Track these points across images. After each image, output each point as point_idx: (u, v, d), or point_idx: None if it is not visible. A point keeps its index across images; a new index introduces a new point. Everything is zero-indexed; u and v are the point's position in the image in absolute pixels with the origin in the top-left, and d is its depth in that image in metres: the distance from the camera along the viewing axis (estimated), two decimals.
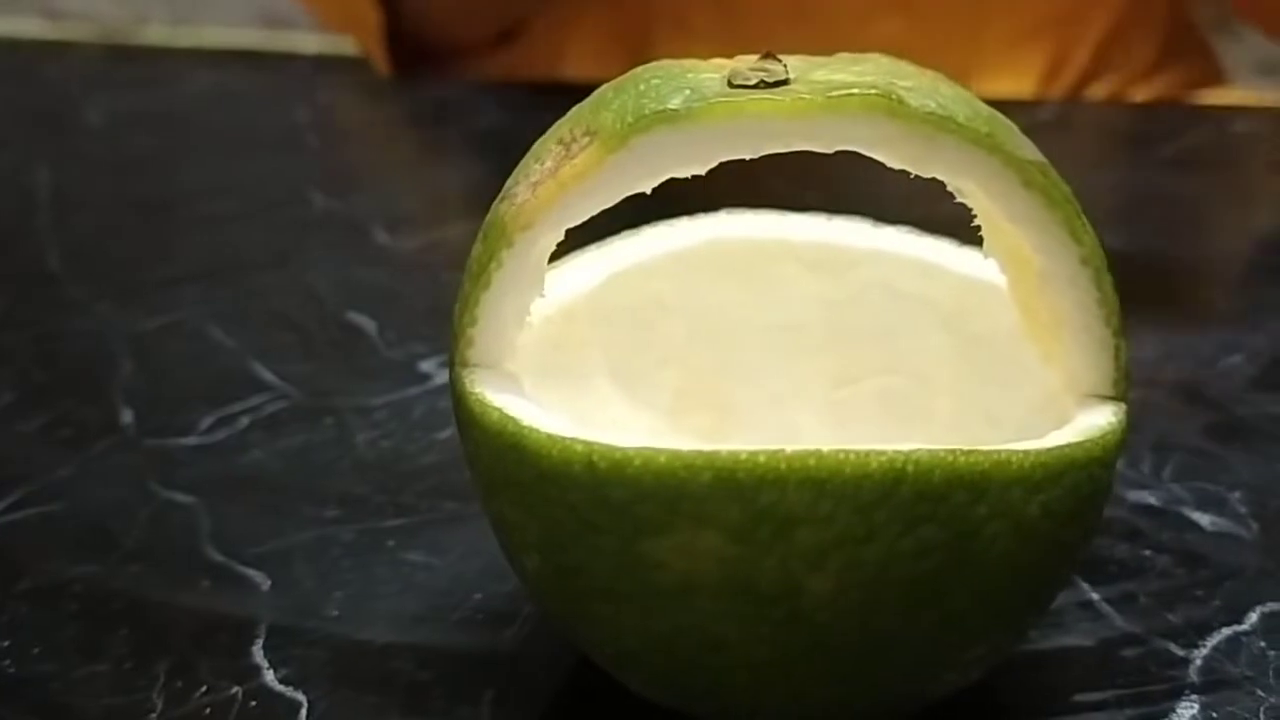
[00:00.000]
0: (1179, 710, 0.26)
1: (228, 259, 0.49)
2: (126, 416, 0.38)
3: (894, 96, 0.22)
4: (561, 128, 0.24)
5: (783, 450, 0.21)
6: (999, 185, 0.23)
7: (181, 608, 0.30)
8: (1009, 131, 0.23)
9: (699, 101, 0.22)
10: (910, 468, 0.21)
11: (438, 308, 0.43)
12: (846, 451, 0.21)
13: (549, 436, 0.22)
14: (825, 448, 0.21)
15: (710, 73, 0.24)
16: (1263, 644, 0.28)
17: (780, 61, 0.23)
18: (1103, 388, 0.24)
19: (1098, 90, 0.66)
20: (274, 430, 0.37)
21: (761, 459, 0.21)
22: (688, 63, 0.24)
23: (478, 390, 0.24)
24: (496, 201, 0.24)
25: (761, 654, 0.22)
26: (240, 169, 0.59)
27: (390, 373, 0.40)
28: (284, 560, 0.32)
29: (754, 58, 0.24)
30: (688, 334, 0.31)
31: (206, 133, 0.65)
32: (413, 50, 0.66)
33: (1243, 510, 0.32)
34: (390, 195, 0.57)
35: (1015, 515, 0.22)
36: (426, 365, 0.40)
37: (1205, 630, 0.28)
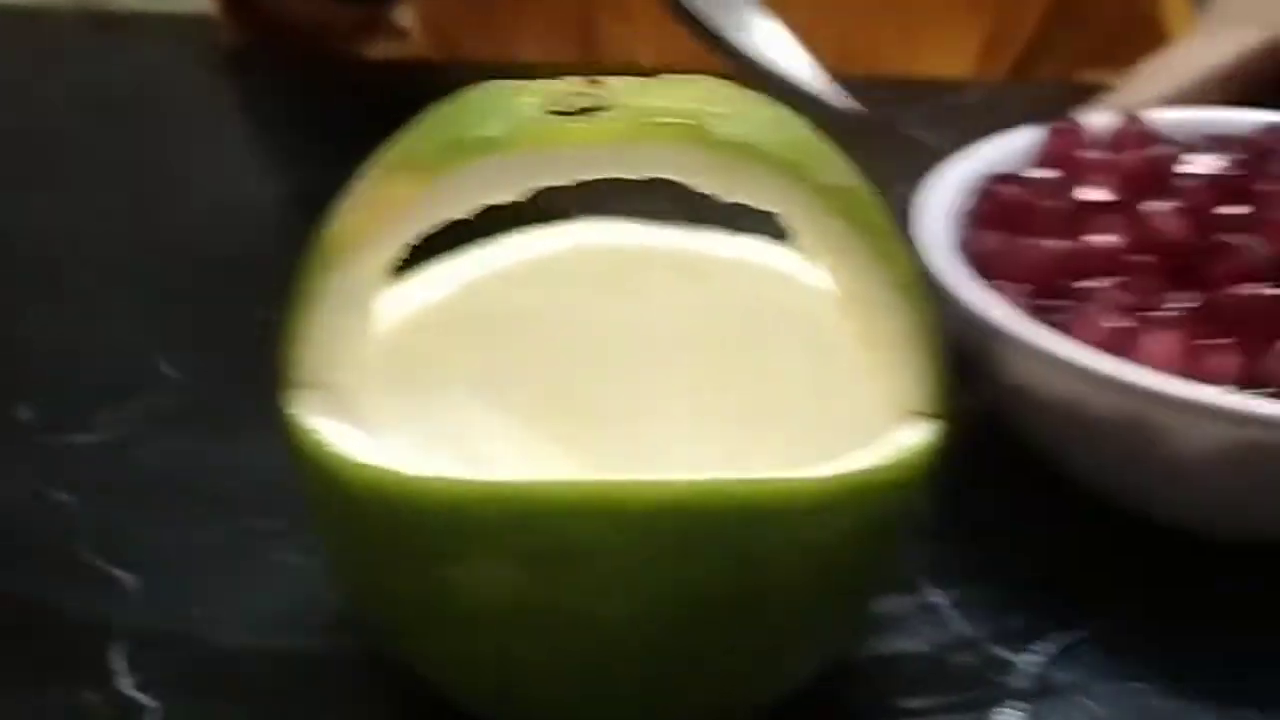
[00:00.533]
0: (1003, 718, 0.27)
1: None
2: (21, 413, 0.39)
3: (701, 125, 0.22)
4: (390, 151, 0.24)
5: (572, 482, 0.21)
6: (805, 212, 0.23)
7: (50, 609, 0.31)
8: (821, 158, 0.24)
9: (513, 129, 0.23)
10: (697, 499, 0.21)
11: None
12: (635, 483, 0.21)
13: (354, 464, 0.23)
14: (614, 478, 0.21)
15: (533, 96, 0.24)
16: (1097, 652, 0.28)
17: (604, 85, 0.24)
18: (920, 405, 0.25)
19: (1042, 71, 0.66)
20: (161, 428, 0.38)
21: (551, 491, 0.21)
22: (519, 84, 0.25)
23: (295, 412, 0.24)
24: (319, 236, 0.25)
25: (562, 672, 0.23)
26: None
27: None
28: (151, 562, 0.32)
29: (580, 81, 0.24)
30: (550, 341, 0.31)
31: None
32: (268, 22, 0.63)
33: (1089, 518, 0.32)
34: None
35: (807, 542, 0.22)
36: None
37: (1040, 636, 0.29)
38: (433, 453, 0.29)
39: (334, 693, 0.28)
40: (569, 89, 0.24)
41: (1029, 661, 0.28)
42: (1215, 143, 0.35)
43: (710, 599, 0.22)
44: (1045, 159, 0.36)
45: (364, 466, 0.22)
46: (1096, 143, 0.35)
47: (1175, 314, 0.29)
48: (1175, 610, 0.29)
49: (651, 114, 0.23)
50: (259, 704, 0.28)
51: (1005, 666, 0.28)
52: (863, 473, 0.23)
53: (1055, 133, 0.36)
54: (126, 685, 0.29)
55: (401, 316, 0.29)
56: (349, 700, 0.28)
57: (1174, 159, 0.34)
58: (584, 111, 0.23)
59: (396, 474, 0.22)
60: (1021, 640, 0.29)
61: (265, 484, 0.34)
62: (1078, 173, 0.34)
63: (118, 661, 0.29)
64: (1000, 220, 0.33)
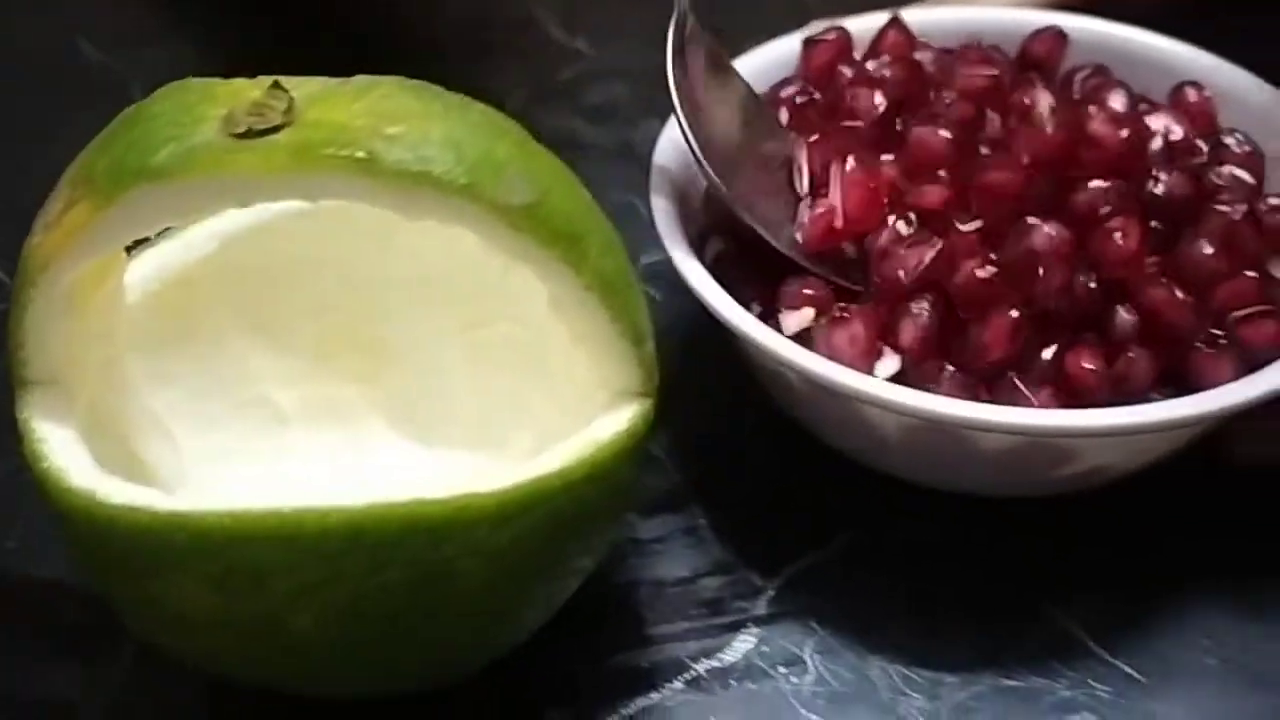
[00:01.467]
0: (736, 644, 0.30)
1: None
2: None
3: (371, 157, 0.23)
4: (80, 163, 0.25)
5: (248, 510, 0.23)
6: (487, 230, 0.24)
7: None
8: (499, 174, 0.24)
9: (181, 158, 0.23)
10: (369, 522, 0.23)
11: None
12: (307, 510, 0.23)
13: (62, 488, 0.24)
14: (287, 507, 0.23)
15: (216, 109, 0.24)
16: (835, 573, 0.31)
17: (285, 96, 0.24)
18: (630, 387, 0.26)
19: None
20: None
21: (228, 520, 0.23)
22: (207, 91, 0.25)
23: (24, 416, 0.25)
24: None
25: (268, 662, 0.25)
26: None
27: None
28: None
29: (264, 89, 0.24)
30: (327, 287, 0.32)
31: None
32: None
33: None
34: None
35: (484, 550, 0.24)
36: None
37: (786, 560, 0.31)
38: (210, 402, 0.31)
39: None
40: (252, 101, 0.24)
41: (770, 585, 0.31)
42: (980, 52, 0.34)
43: (393, 606, 0.24)
44: (806, 74, 0.36)
45: (71, 491, 0.24)
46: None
47: (860, 309, 0.30)
48: (876, 545, 0.32)
49: (321, 144, 0.23)
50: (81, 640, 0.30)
51: (751, 591, 0.31)
52: (537, 480, 0.24)
53: (814, 44, 0.36)
54: None
55: (166, 275, 0.30)
56: None
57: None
58: (259, 133, 0.23)
59: (97, 500, 0.23)
60: (768, 563, 0.31)
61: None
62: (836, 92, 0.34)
63: None
64: None
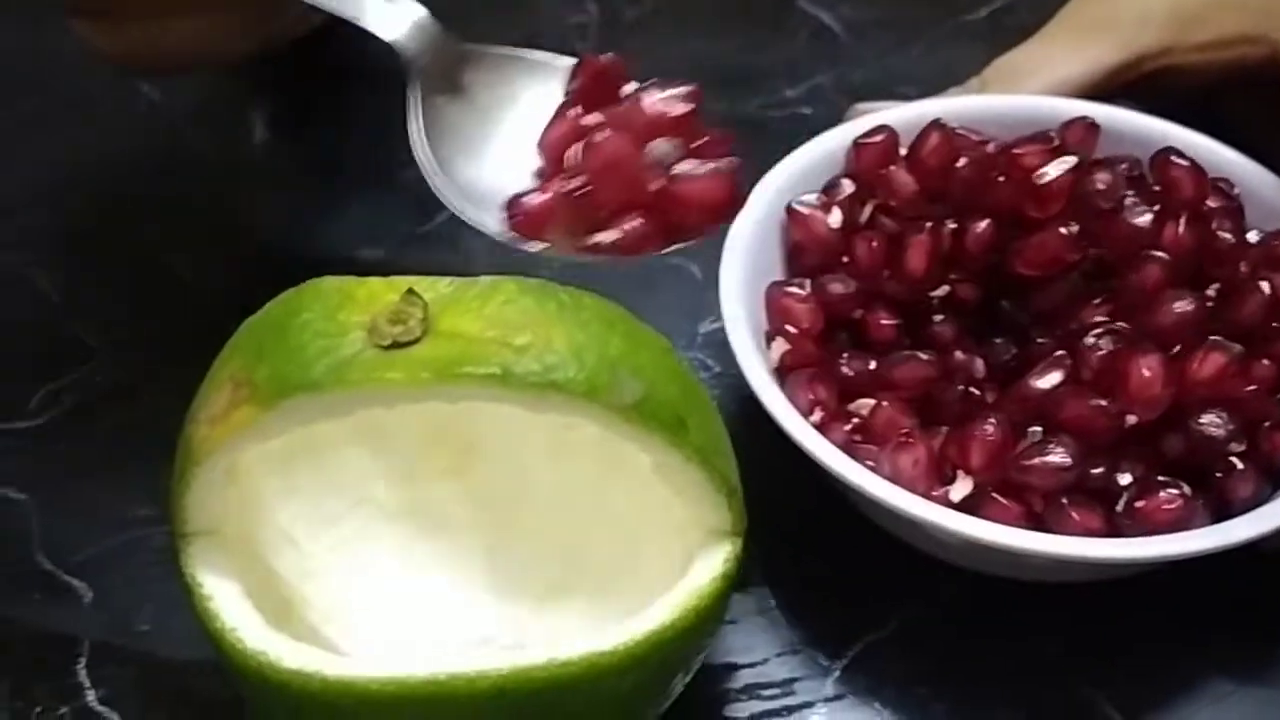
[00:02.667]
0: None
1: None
2: None
3: (500, 372, 0.26)
4: (233, 360, 0.28)
5: (408, 677, 0.26)
6: (604, 423, 0.27)
7: (17, 623, 0.36)
8: (613, 376, 0.27)
9: (335, 372, 0.26)
10: (510, 684, 0.26)
11: (264, 237, 0.46)
12: (458, 676, 0.26)
13: (238, 649, 0.28)
14: (442, 674, 0.26)
15: (359, 315, 0.27)
16: (893, 652, 0.34)
17: (421, 303, 0.27)
18: (723, 528, 0.30)
19: None
20: (93, 411, 0.41)
21: (391, 687, 0.26)
22: (344, 292, 0.28)
23: (190, 571, 0.29)
24: (192, 413, 0.29)
25: None
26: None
27: (200, 340, 0.43)
28: (102, 568, 0.37)
29: (399, 292, 0.27)
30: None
31: None
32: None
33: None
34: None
35: (607, 697, 0.28)
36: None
37: (852, 638, 0.35)
38: (327, 506, 0.34)
39: None
40: (391, 310, 0.27)
41: (837, 666, 0.34)
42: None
43: None
44: (853, 172, 0.39)
45: (246, 654, 0.27)
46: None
47: (927, 436, 0.33)
48: (930, 626, 0.35)
49: (459, 360, 0.26)
50: (211, 717, 0.34)
51: (818, 671, 0.34)
52: (652, 634, 0.27)
53: (861, 147, 0.39)
54: (94, 701, 0.34)
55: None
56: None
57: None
58: (399, 345, 0.27)
59: (270, 662, 0.27)
60: (833, 644, 0.35)
61: None
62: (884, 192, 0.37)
63: (84, 676, 0.35)
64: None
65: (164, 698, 0.34)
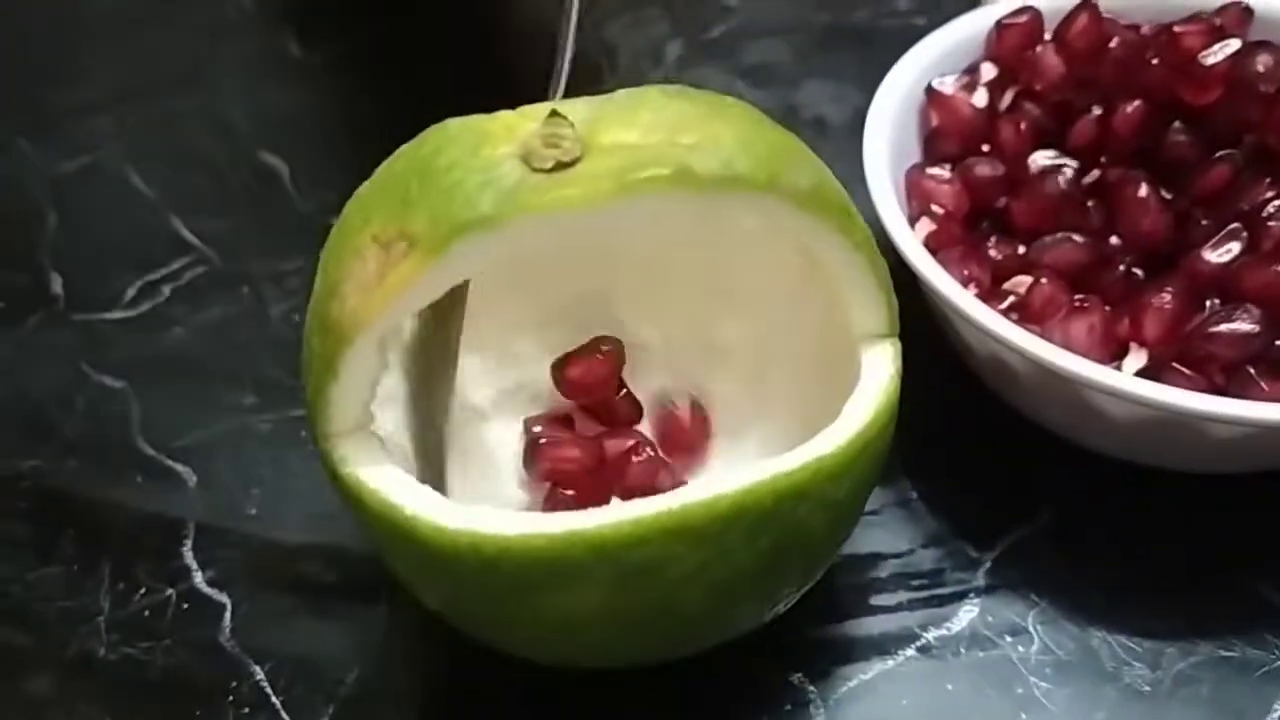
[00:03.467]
0: (961, 614, 0.31)
1: (138, 77, 0.49)
2: (56, 286, 0.41)
3: (686, 168, 0.24)
4: (370, 222, 0.25)
5: (642, 513, 0.24)
6: (783, 215, 0.26)
7: (119, 506, 0.35)
8: (789, 164, 0.26)
9: (505, 202, 0.24)
10: (749, 500, 0.24)
11: (350, 143, 0.45)
12: (694, 503, 0.24)
13: (434, 528, 0.25)
14: (675, 503, 0.24)
15: (505, 147, 0.25)
16: (1047, 546, 0.32)
17: (569, 124, 0.25)
18: (883, 329, 0.28)
19: None
20: (194, 302, 0.40)
21: (625, 525, 0.24)
22: (478, 129, 0.26)
23: (350, 470, 0.26)
24: (323, 295, 0.26)
25: (637, 650, 0.28)
26: None
27: (302, 229, 0.42)
28: (207, 453, 0.36)
29: (540, 119, 0.25)
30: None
31: None
32: None
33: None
34: None
35: (829, 501, 0.26)
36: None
37: (1000, 532, 0.33)
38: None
39: (385, 588, 0.32)
40: (537, 136, 0.25)
41: (987, 557, 0.32)
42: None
43: (762, 566, 0.26)
44: (998, 55, 0.37)
45: (447, 531, 0.25)
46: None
47: (1096, 301, 0.31)
48: (1082, 519, 0.33)
49: (635, 166, 0.24)
50: (318, 600, 0.32)
51: (967, 563, 0.32)
52: (864, 428, 0.26)
53: (1006, 26, 0.37)
54: (202, 583, 0.33)
55: None
56: (406, 596, 0.32)
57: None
58: (562, 165, 0.24)
59: (482, 534, 0.24)
60: (982, 537, 0.33)
61: (296, 367, 0.37)
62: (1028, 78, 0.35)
63: (191, 559, 0.33)
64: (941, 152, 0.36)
65: (274, 581, 0.33)
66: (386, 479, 0.26)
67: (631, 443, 0.30)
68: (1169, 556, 0.32)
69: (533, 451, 0.30)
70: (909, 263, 0.32)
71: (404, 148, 0.27)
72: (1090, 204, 0.34)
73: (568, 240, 0.24)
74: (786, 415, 0.31)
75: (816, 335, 0.30)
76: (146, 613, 0.32)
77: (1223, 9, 0.37)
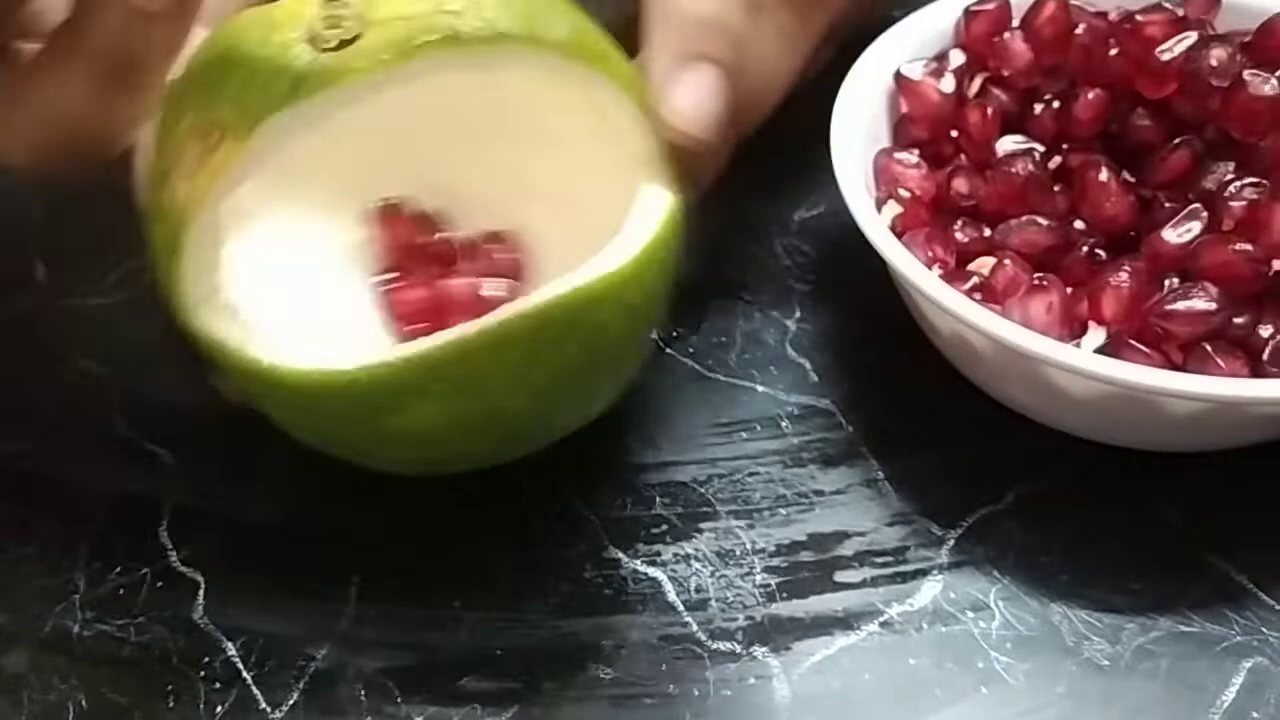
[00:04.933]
0: (923, 590, 0.32)
1: None
2: (40, 272, 0.41)
3: (451, 33, 0.28)
4: (184, 117, 0.29)
5: (465, 333, 0.27)
6: (547, 65, 0.29)
7: (98, 487, 0.35)
8: (546, 18, 0.29)
9: (298, 84, 0.28)
10: (555, 311, 0.27)
11: None
12: (509, 319, 0.27)
13: (290, 372, 0.28)
14: (493, 320, 0.27)
15: (292, 32, 0.28)
16: (1011, 524, 0.33)
17: (344, 5, 0.28)
18: (652, 157, 0.31)
19: None
20: None
21: (451, 346, 0.27)
22: (266, 18, 0.29)
23: (208, 335, 0.29)
24: (155, 184, 0.29)
25: (478, 450, 0.31)
26: None
27: None
28: (185, 436, 0.36)
29: (320, 2, 0.28)
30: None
31: None
32: None
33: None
34: None
35: (625, 305, 0.29)
36: None
37: (965, 510, 0.33)
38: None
39: (354, 571, 0.33)
40: (319, 19, 0.28)
41: (951, 535, 0.33)
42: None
43: (571, 370, 0.29)
44: (964, 43, 0.37)
45: (300, 372, 0.28)
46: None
47: (1055, 280, 0.32)
48: (1047, 497, 0.33)
49: (408, 36, 0.28)
50: (291, 579, 0.33)
51: (930, 541, 0.32)
52: (655, 238, 0.29)
53: (975, 14, 0.37)
54: (176, 562, 0.33)
55: None
56: (374, 577, 0.33)
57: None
58: (343, 44, 0.28)
59: (329, 368, 0.28)
60: (948, 514, 0.33)
61: None
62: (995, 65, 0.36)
63: (167, 539, 0.34)
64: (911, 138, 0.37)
65: (247, 560, 0.33)
66: (241, 338, 0.29)
67: (468, 280, 0.33)
68: (1130, 534, 0.32)
69: (385, 301, 0.33)
70: (872, 244, 0.32)
71: (202, 41, 0.30)
72: (1056, 188, 0.35)
73: (364, 110, 0.28)
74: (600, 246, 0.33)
75: (612, 172, 0.32)
76: (121, 591, 0.33)
77: None
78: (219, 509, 0.34)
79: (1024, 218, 0.34)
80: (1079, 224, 0.34)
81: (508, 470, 0.33)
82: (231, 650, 0.31)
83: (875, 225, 0.32)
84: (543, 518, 0.33)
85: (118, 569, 0.33)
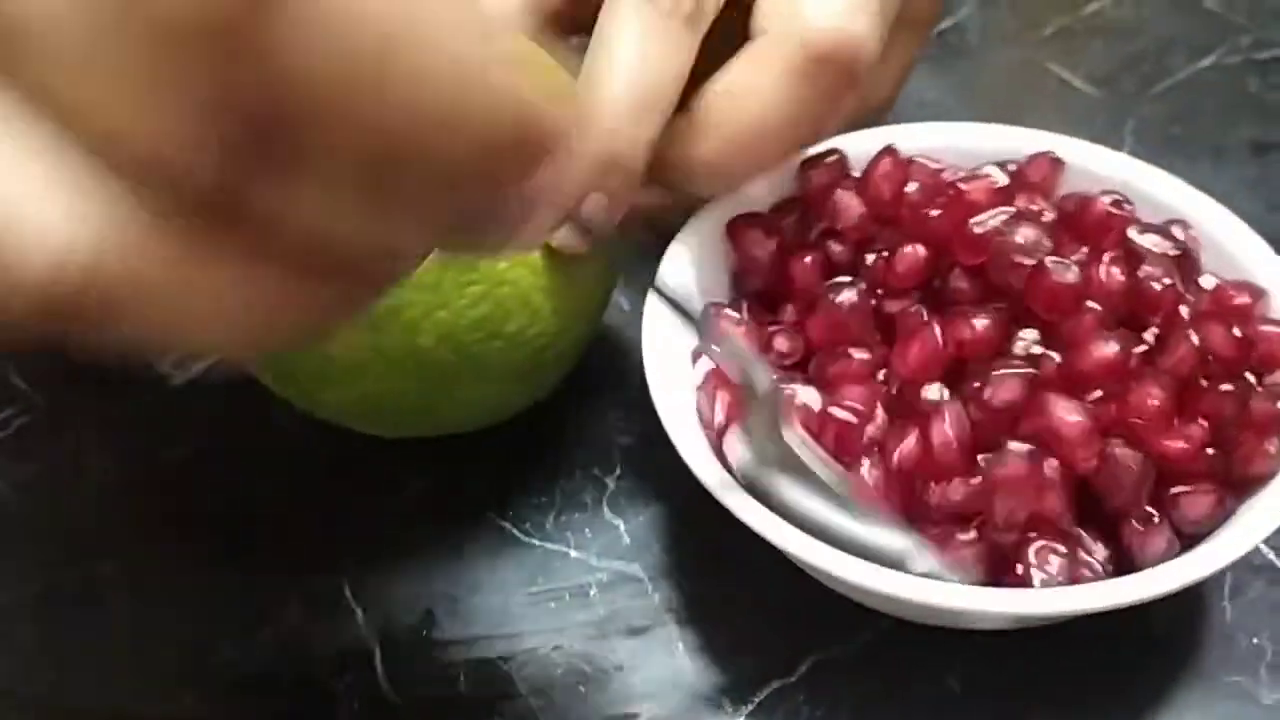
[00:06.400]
0: None
1: None
2: None
3: None
4: None
5: None
6: None
7: None
8: None
9: None
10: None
11: None
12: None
13: None
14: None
15: None
16: (800, 697, 0.33)
17: None
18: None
19: None
20: (17, 453, 0.41)
21: None
22: None
23: None
24: None
25: (404, 388, 0.34)
26: None
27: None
28: (11, 616, 0.37)
29: None
30: None
31: None
32: None
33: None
34: None
35: (528, 260, 0.32)
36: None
37: (760, 683, 0.33)
38: None
39: None
40: None
41: (744, 711, 0.33)
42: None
43: (479, 314, 0.32)
44: (801, 194, 0.38)
45: None
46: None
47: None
48: (841, 669, 0.33)
49: None
50: None
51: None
52: None
53: (810, 168, 0.37)
54: None
55: None
56: None
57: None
58: None
59: None
60: (742, 689, 0.34)
61: (109, 520, 0.37)
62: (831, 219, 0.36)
63: None
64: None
65: None
66: None
67: None
68: (916, 704, 0.33)
69: None
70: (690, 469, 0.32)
71: None
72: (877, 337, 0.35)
73: None
74: None
75: None
76: None
77: (1033, 158, 0.38)
78: (36, 695, 0.35)
79: (839, 349, 0.34)
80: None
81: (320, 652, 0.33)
82: None
83: (679, 428, 0.33)
84: (353, 706, 0.34)
85: None
